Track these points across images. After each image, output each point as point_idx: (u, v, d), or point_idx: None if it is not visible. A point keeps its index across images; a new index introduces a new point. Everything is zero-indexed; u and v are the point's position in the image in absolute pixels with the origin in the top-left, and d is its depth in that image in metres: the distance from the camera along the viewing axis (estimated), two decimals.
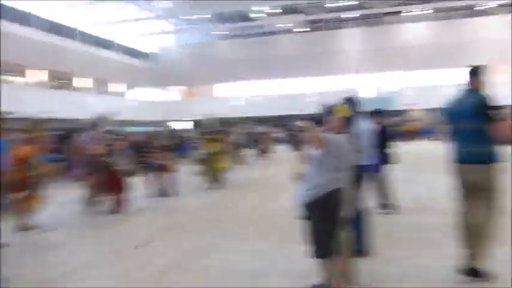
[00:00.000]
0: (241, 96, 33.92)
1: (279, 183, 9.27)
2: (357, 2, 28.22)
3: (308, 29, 33.38)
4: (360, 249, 3.95)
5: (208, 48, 34.50)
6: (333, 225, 3.08)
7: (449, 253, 3.67)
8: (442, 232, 4.55)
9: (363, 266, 3.69)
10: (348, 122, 3.24)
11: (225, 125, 16.59)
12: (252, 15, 32.29)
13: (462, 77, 3.62)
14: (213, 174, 9.59)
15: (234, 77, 33.49)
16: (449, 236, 3.82)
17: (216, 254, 4.61)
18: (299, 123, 3.61)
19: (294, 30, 33.85)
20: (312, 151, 3.11)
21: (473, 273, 3.38)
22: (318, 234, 3.09)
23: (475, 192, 3.42)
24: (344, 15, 30.08)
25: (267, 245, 4.84)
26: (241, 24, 32.64)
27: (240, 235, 5.38)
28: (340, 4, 28.72)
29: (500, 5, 26.01)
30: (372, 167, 4.76)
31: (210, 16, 31.80)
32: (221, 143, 10.09)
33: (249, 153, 16.82)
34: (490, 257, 3.41)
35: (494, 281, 3.34)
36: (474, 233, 3.39)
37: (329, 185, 3.06)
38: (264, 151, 17.85)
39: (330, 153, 3.02)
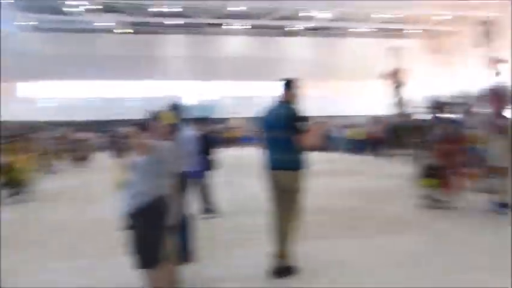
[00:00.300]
0: (52, 97, 30.37)
1: (96, 193, 8.62)
2: (181, 9, 28.64)
3: (131, 31, 32.22)
4: (185, 255, 3.95)
5: (11, 40, 29.79)
6: (159, 233, 3.00)
7: (267, 252, 3.96)
8: (260, 232, 4.91)
9: (188, 271, 3.72)
10: (173, 128, 3.22)
11: (32, 129, 14.53)
12: (66, 9, 29.33)
13: (276, 89, 3.96)
14: (15, 184, 8.30)
15: (43, 76, 29.74)
16: (266, 235, 4.15)
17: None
18: (123, 129, 3.41)
19: (115, 30, 32.20)
20: (136, 158, 2.97)
21: (284, 270, 3.72)
22: (144, 243, 2.96)
23: (283, 196, 3.77)
24: (168, 21, 30.13)
25: (87, 261, 4.42)
26: (53, 17, 29.29)
27: (53, 254, 4.77)
28: (164, 10, 28.67)
29: (307, 28, 30.16)
30: (196, 173, 4.85)
31: (13, 1, 27.50)
32: (25, 150, 8.84)
33: (63, 160, 15.20)
34: (295, 252, 3.83)
35: (301, 274, 3.78)
36: (282, 232, 3.76)
37: (154, 192, 2.98)
38: (81, 158, 16.37)
39: (155, 160, 2.94)
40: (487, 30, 4.88)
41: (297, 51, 29.62)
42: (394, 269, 3.92)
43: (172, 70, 30.50)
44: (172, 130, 3.19)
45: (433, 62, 29.92)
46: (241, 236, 5.24)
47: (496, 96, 5.92)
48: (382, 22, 28.19)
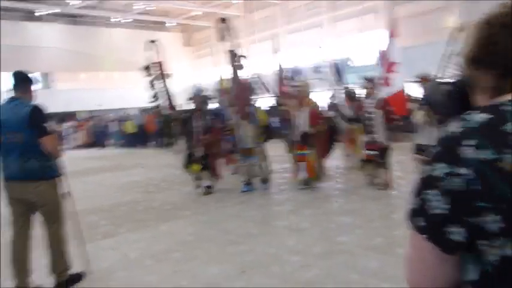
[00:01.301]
0: None
1: None
2: None
3: None
4: None
5: None
6: None
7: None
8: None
9: None
10: None
11: None
12: None
13: (8, 82, 3.33)
14: None
15: None
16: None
17: None
18: None
19: None
20: None
21: (72, 281, 3.46)
22: None
23: (32, 211, 3.31)
24: None
25: None
26: None
27: None
28: None
29: (56, 14, 27.06)
30: None
31: None
32: None
33: None
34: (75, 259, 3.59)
35: (91, 279, 3.63)
36: (54, 247, 3.35)
37: None
38: None
39: None
40: (227, 27, 5.62)
41: (50, 39, 26.46)
42: (181, 251, 4.20)
43: None
44: None
45: (188, 55, 32.05)
46: None
47: (242, 88, 6.80)
48: (141, 14, 28.23)
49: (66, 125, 21.95)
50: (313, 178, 6.48)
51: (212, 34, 29.07)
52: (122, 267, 3.88)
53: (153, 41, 6.97)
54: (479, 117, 0.72)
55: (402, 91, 6.02)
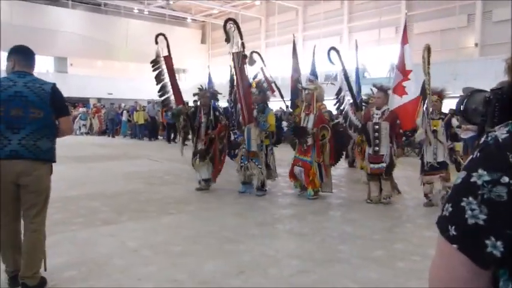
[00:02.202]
0: None
1: None
2: None
3: None
4: None
5: None
6: None
7: None
8: None
9: None
10: None
11: None
12: None
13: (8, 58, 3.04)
14: None
15: None
16: None
17: None
18: None
19: None
20: None
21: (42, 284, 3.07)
22: None
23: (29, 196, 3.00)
24: None
25: None
26: None
27: None
28: None
29: (80, 0, 27.34)
30: None
31: None
32: None
33: None
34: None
35: (87, 262, 3.62)
36: (33, 247, 3.04)
37: None
38: None
39: None
40: (235, 28, 5.54)
41: (70, 25, 26.68)
42: (180, 245, 4.17)
43: None
44: None
45: (205, 53, 32.14)
46: None
47: (249, 90, 6.38)
48: (162, 7, 28.42)
49: (82, 109, 22.12)
50: (313, 189, 6.20)
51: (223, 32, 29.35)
52: (119, 255, 3.86)
53: (162, 35, 6.93)
54: None
55: (416, 101, 5.89)
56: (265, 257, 3.88)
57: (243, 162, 6.56)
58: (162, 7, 28.35)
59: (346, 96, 6.27)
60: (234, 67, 6.35)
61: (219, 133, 6.76)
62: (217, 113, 6.85)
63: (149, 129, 18.35)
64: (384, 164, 5.87)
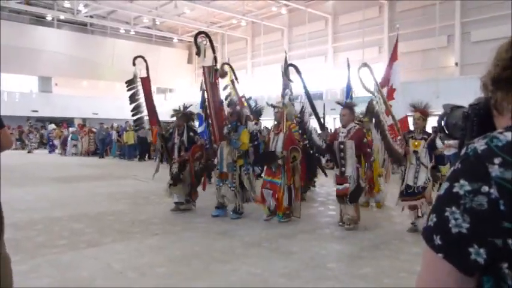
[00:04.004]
0: None
1: None
2: None
3: None
4: None
5: None
6: None
7: None
8: None
9: None
10: None
11: None
12: None
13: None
14: None
15: None
16: None
17: None
18: None
19: None
20: None
21: None
22: None
23: None
24: None
25: None
26: None
27: None
28: None
29: (66, 21, 27.27)
30: None
31: None
32: None
33: None
34: None
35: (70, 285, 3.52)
36: None
37: None
38: None
39: None
40: (205, 42, 5.58)
41: (55, 44, 26.55)
42: (166, 266, 4.09)
43: None
44: None
45: (191, 72, 32.24)
46: None
47: (220, 107, 6.29)
48: (148, 28, 28.56)
49: (71, 129, 21.82)
50: (282, 213, 5.91)
51: (218, 54, 29.71)
52: (103, 277, 3.77)
53: (141, 57, 6.97)
54: (504, 136, 0.71)
55: (402, 121, 5.86)
56: (251, 276, 3.83)
57: (218, 184, 6.33)
58: (149, 27, 28.50)
59: (309, 116, 6.05)
60: (205, 82, 6.17)
61: (193, 154, 6.57)
62: (191, 134, 6.67)
63: (139, 150, 18.11)
64: (347, 185, 5.49)
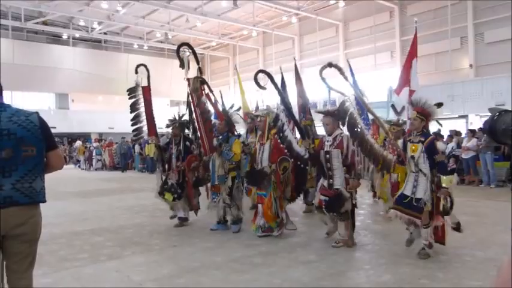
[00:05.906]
0: None
1: None
2: None
3: None
4: None
5: None
6: None
7: None
8: None
9: None
10: None
11: None
12: None
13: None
14: None
15: None
16: None
17: None
18: None
19: None
20: None
21: None
22: None
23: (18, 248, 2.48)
24: None
25: None
26: None
27: None
28: None
29: (81, 38, 27.96)
30: None
31: None
32: None
33: None
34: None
35: None
36: None
37: None
38: None
39: None
40: (190, 52, 5.62)
41: (71, 62, 27.20)
42: (185, 277, 4.13)
43: None
44: None
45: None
46: None
47: (206, 118, 6.02)
48: (161, 42, 29.00)
49: (95, 144, 22.21)
50: (271, 224, 5.64)
51: (229, 64, 30.10)
52: None
53: (143, 65, 7.01)
54: None
55: (379, 124, 5.28)
56: (272, 285, 3.83)
57: (213, 197, 6.14)
58: (161, 41, 28.92)
59: (286, 124, 5.65)
60: (190, 93, 6.06)
61: (188, 164, 6.47)
62: (187, 143, 6.59)
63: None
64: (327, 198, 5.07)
